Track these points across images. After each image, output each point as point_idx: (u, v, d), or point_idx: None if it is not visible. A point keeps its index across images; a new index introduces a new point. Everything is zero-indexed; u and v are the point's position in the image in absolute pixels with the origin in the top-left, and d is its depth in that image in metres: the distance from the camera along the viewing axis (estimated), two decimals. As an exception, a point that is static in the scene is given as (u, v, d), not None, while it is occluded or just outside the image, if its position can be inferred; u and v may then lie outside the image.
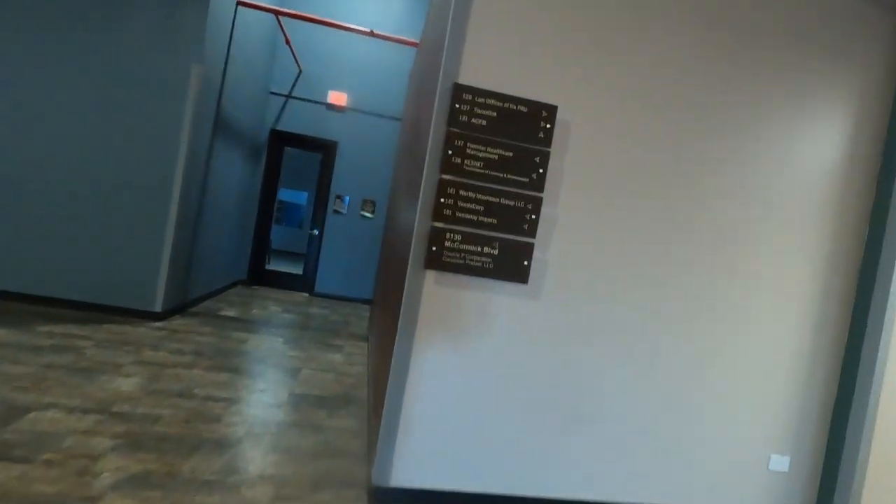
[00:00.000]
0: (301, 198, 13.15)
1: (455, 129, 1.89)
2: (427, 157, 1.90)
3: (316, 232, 6.64)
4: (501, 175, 1.93)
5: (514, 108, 1.92)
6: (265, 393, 2.96)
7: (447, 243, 1.90)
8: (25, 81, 3.81)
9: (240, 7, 4.66)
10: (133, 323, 3.87)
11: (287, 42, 5.61)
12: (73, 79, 3.86)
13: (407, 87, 5.40)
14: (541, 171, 1.96)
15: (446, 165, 1.89)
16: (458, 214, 1.91)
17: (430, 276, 1.93)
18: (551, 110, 1.95)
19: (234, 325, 4.41)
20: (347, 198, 6.63)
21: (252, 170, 6.19)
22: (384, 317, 2.77)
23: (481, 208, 1.92)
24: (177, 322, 4.13)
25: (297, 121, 6.47)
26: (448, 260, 1.91)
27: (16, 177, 3.82)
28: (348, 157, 6.60)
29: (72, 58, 3.85)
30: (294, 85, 6.42)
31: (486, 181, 1.92)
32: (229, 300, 5.41)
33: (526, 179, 1.95)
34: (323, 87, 6.47)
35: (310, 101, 6.46)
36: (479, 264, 1.93)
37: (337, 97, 6.47)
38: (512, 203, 1.94)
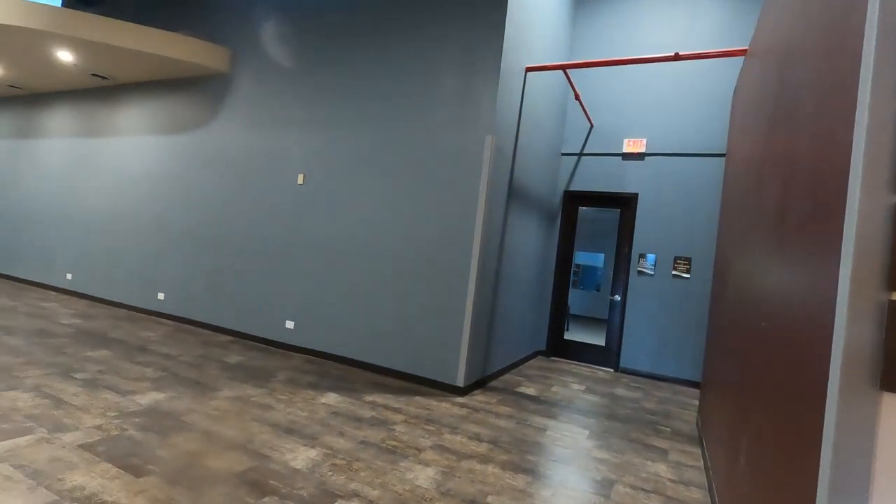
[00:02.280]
0: (597, 259, 12.60)
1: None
2: (855, 166, 0.97)
3: (618, 298, 5.81)
4: None
5: None
6: (569, 518, 2.27)
7: (941, 339, 0.88)
8: (333, 168, 4.58)
9: (528, 73, 4.61)
10: (438, 397, 3.87)
11: (577, 97, 5.31)
12: (376, 161, 4.42)
13: (731, 108, 4.23)
14: None
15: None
16: (966, 275, 0.87)
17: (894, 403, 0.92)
18: None
19: (533, 406, 3.95)
20: (651, 256, 5.62)
21: (547, 235, 5.97)
22: (764, 444, 1.74)
23: None
24: (477, 399, 3.96)
25: (590, 178, 6.01)
26: (947, 376, 0.87)
27: (342, 254, 4.53)
28: (651, 210, 5.66)
29: (375, 141, 4.43)
30: (585, 141, 6.04)
31: None
32: (528, 374, 5.08)
33: None
34: (617, 136, 5.86)
35: (603, 154, 5.93)
36: None
37: (634, 144, 5.74)
38: None
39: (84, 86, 6.73)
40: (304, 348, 4.76)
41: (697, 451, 3.36)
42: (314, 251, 4.77)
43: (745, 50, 3.50)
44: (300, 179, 4.90)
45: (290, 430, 2.88)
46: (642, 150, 5.70)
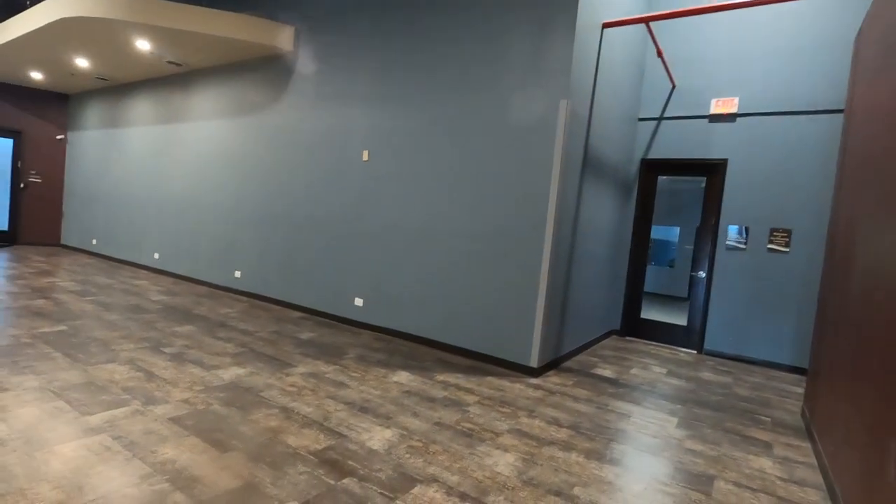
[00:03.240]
0: (671, 233, 11.79)
1: None
2: None
3: (702, 274, 5.34)
4: None
5: None
6: (667, 517, 2.06)
7: None
8: (398, 143, 4.42)
9: (605, 29, 4.21)
10: (510, 378, 3.73)
11: (659, 54, 4.81)
12: (443, 134, 4.22)
13: (853, 56, 3.63)
14: None
15: None
16: None
17: None
18: None
19: (612, 389, 3.72)
20: (734, 228, 5.09)
21: (622, 207, 5.57)
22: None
23: None
24: (551, 380, 3.77)
25: (671, 144, 5.50)
26: None
27: (410, 231, 4.42)
28: (743, 177, 5.10)
29: (442, 113, 4.23)
30: (666, 104, 5.52)
31: None
32: (603, 355, 4.81)
33: None
34: (703, 97, 5.29)
35: (687, 117, 5.39)
36: None
37: (724, 104, 5.15)
38: None
39: (161, 74, 7.03)
40: (373, 325, 4.77)
41: (807, 445, 3.00)
42: (382, 228, 4.72)
43: (879, -20, 2.93)
44: (364, 156, 4.84)
45: (364, 409, 2.86)
46: (733, 110, 5.11)
